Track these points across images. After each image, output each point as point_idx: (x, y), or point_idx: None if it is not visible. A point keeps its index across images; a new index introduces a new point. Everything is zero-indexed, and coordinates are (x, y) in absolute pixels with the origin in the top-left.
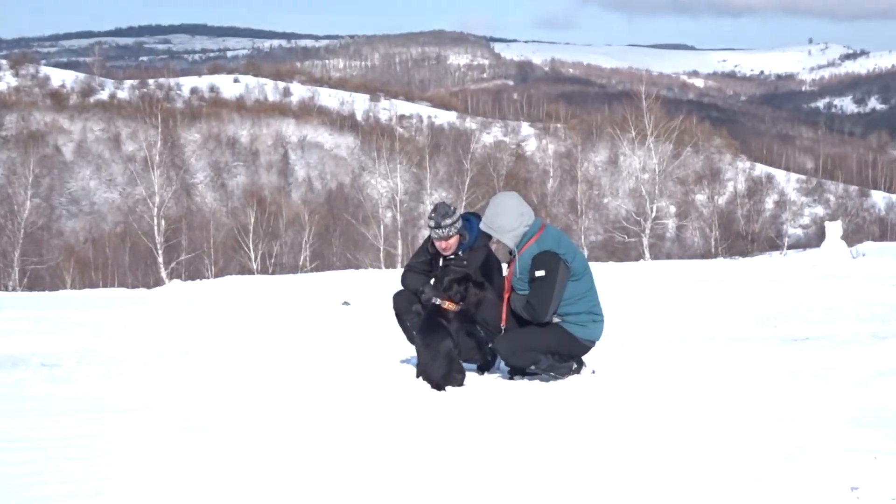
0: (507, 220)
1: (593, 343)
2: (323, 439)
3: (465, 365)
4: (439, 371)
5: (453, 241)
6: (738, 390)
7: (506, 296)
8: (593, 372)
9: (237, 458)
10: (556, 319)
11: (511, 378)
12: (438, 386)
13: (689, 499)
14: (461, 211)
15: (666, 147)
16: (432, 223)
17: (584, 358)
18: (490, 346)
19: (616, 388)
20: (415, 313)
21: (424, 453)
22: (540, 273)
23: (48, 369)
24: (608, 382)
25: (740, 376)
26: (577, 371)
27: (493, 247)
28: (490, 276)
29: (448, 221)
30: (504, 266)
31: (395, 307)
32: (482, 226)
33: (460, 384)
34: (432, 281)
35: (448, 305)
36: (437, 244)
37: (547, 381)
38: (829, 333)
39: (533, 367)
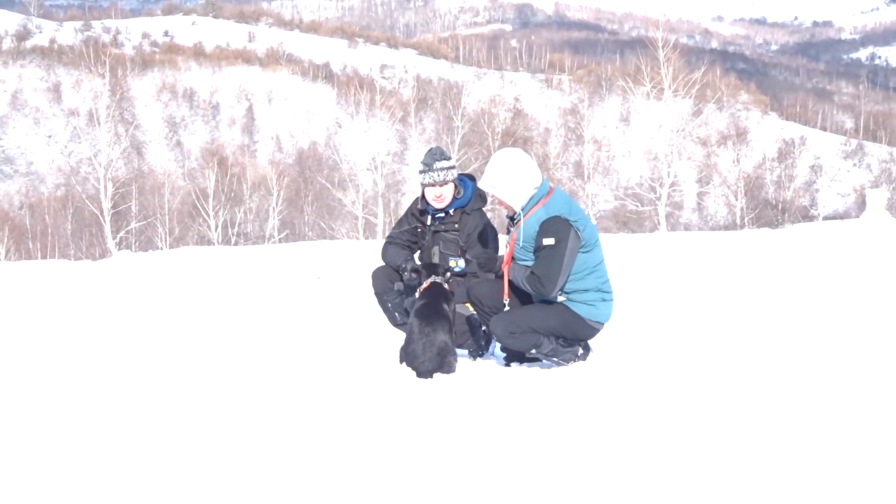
0: (513, 178)
1: (602, 325)
2: (298, 435)
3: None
4: (429, 365)
5: (448, 190)
6: (760, 382)
7: (505, 268)
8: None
9: (200, 459)
10: (560, 298)
11: (507, 365)
12: (424, 375)
13: (688, 499)
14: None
15: (685, 103)
16: (424, 166)
17: (591, 343)
18: (484, 328)
19: (621, 378)
20: (397, 292)
21: (412, 449)
22: (549, 241)
23: None
24: (612, 371)
25: (765, 366)
26: (584, 357)
27: (490, 215)
28: (485, 242)
29: (444, 164)
30: (503, 241)
31: (375, 286)
32: (482, 184)
33: (451, 370)
34: (417, 255)
35: (425, 285)
36: (430, 192)
37: (548, 367)
38: (869, 316)
39: (533, 352)
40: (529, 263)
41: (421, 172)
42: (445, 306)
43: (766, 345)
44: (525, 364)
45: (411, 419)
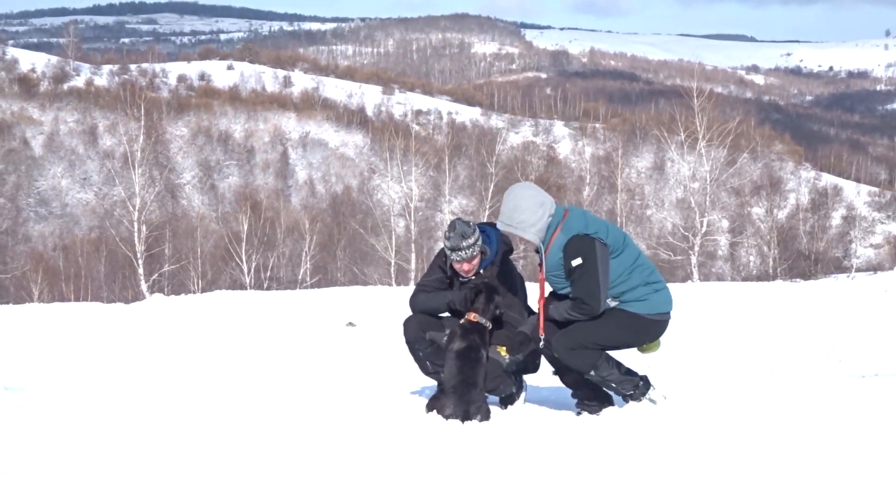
0: (528, 213)
1: (667, 315)
2: (323, 483)
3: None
4: (459, 414)
5: (476, 262)
6: (794, 435)
7: (540, 304)
8: (665, 398)
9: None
10: (612, 303)
11: (578, 410)
12: (461, 416)
13: None
14: (482, 220)
15: (719, 152)
16: (450, 245)
17: (651, 380)
18: (514, 372)
19: (652, 428)
20: (429, 341)
21: (432, 496)
22: (577, 262)
23: (11, 394)
24: (640, 421)
25: (797, 418)
26: (643, 392)
27: (519, 255)
28: (514, 291)
29: (469, 242)
30: (518, 275)
31: (407, 334)
32: (499, 224)
33: (485, 418)
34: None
35: (472, 316)
36: (458, 267)
37: (598, 413)
38: None
39: (592, 374)
40: (566, 288)
41: (448, 250)
42: (483, 353)
43: (795, 397)
44: (592, 408)
45: (434, 469)
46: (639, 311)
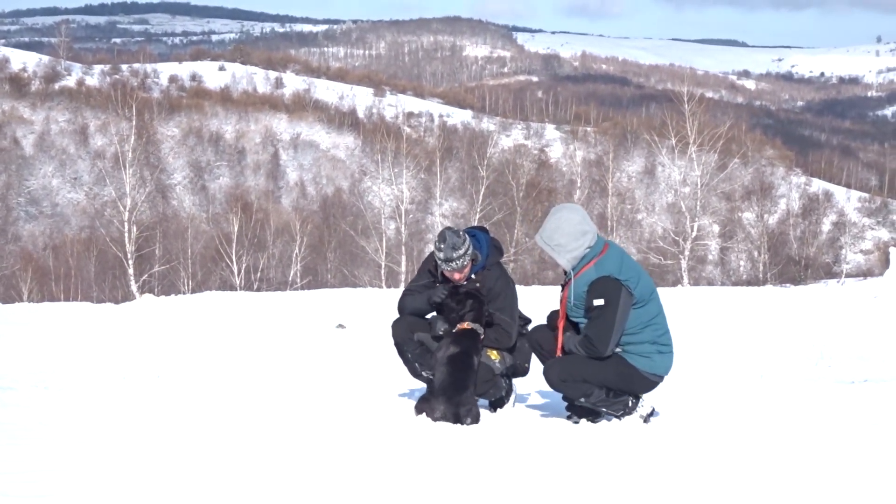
0: (568, 238)
1: (660, 378)
2: (311, 484)
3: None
4: (447, 416)
5: (467, 270)
6: (784, 440)
7: (560, 324)
8: (645, 418)
9: None
10: (616, 349)
11: (570, 418)
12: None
13: None
14: (473, 223)
15: (710, 157)
16: (442, 257)
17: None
18: (504, 376)
19: (643, 433)
20: (417, 343)
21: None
22: (599, 302)
23: (1, 393)
24: (631, 427)
25: (787, 423)
26: (633, 409)
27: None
28: (506, 295)
29: (460, 252)
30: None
31: (395, 336)
32: (537, 238)
33: (475, 421)
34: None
35: (464, 325)
36: (449, 276)
37: (597, 422)
38: (892, 375)
39: (583, 401)
40: (582, 321)
41: (439, 260)
42: (476, 359)
43: (785, 402)
44: (590, 419)
45: (422, 472)
46: (637, 365)
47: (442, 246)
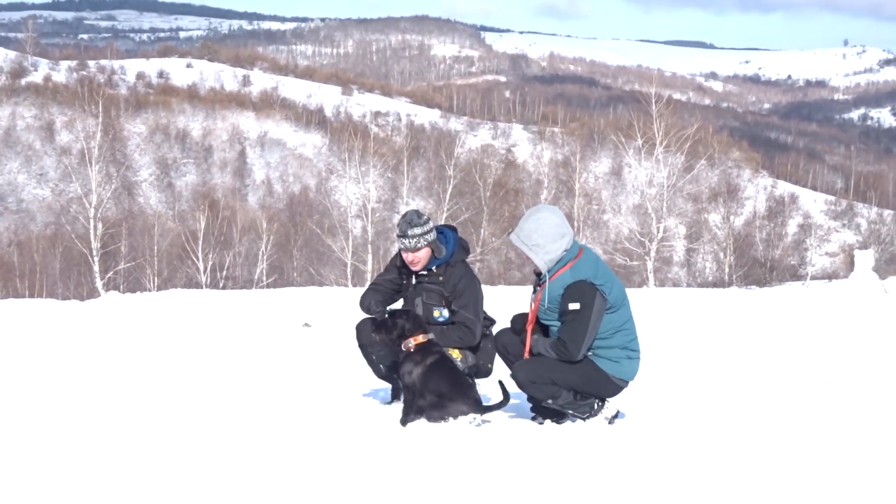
0: (546, 239)
1: (625, 383)
2: (279, 484)
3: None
4: (472, 410)
5: (422, 254)
6: (747, 442)
7: (529, 327)
8: (610, 419)
9: None
10: (587, 353)
11: (541, 423)
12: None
13: None
14: (440, 222)
15: (677, 159)
16: (398, 231)
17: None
18: (467, 376)
19: (607, 435)
20: (381, 344)
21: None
22: (574, 306)
23: None
24: (597, 431)
25: (750, 426)
26: (598, 410)
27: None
28: (470, 292)
29: (416, 231)
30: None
31: (360, 338)
32: (513, 237)
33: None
34: (401, 302)
35: (418, 339)
36: (404, 256)
37: (561, 423)
38: (855, 379)
39: (550, 402)
40: (554, 324)
41: (397, 238)
42: (451, 357)
43: (748, 404)
44: (554, 420)
45: (386, 472)
46: (605, 370)
47: (400, 222)
